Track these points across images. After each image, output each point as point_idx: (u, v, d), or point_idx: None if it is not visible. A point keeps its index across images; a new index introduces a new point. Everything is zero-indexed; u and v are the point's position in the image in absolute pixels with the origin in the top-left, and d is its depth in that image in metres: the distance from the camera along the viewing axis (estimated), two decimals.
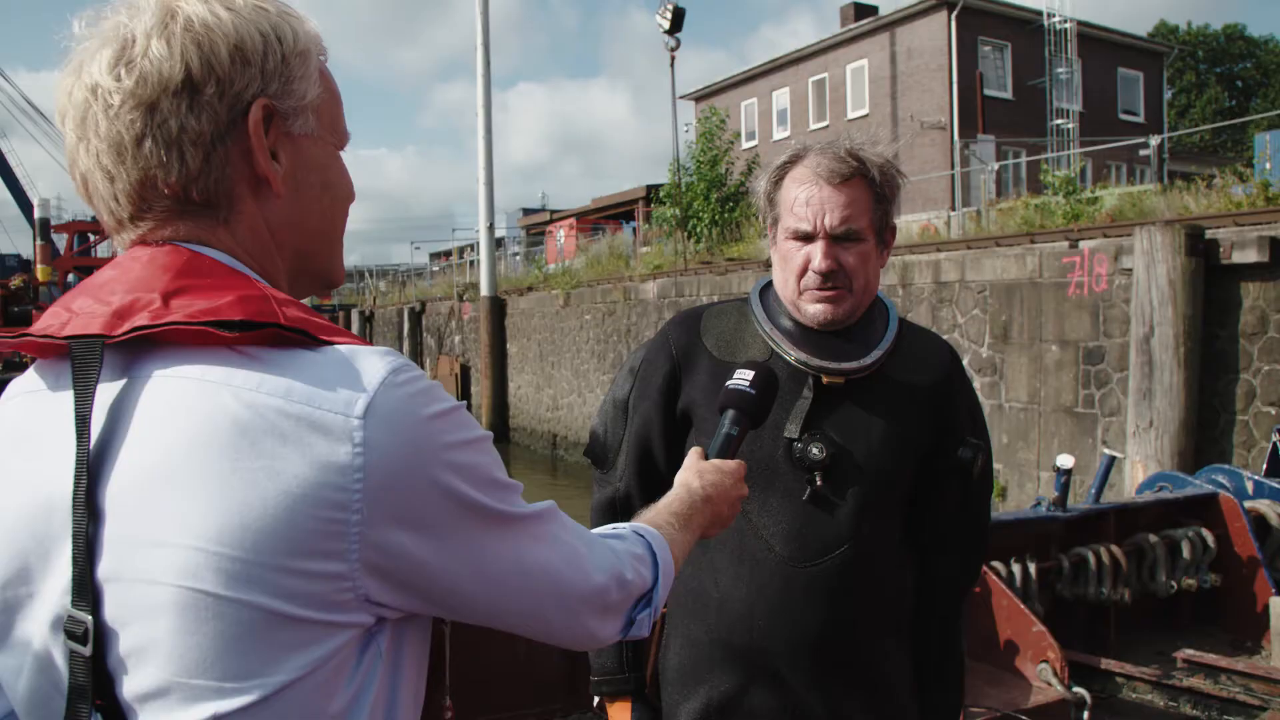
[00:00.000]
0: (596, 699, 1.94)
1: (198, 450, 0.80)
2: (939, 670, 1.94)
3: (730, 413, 1.52)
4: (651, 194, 29.22)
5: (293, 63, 0.94)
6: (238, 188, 0.92)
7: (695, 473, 1.39)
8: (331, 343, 0.86)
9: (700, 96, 37.19)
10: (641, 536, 1.18)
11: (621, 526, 1.22)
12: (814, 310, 1.81)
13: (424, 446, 0.85)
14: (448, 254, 46.36)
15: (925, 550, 1.94)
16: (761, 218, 1.90)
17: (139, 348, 0.85)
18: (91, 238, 37.57)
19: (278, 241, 0.97)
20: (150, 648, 0.80)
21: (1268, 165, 15.72)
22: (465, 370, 26.12)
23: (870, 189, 1.82)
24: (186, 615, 0.78)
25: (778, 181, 1.84)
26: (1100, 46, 31.32)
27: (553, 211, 45.92)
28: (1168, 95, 38.52)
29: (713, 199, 22.86)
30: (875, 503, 1.81)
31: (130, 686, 0.81)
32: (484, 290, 24.05)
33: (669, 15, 19.97)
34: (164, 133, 0.88)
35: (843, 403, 1.81)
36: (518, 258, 37.82)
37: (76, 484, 0.81)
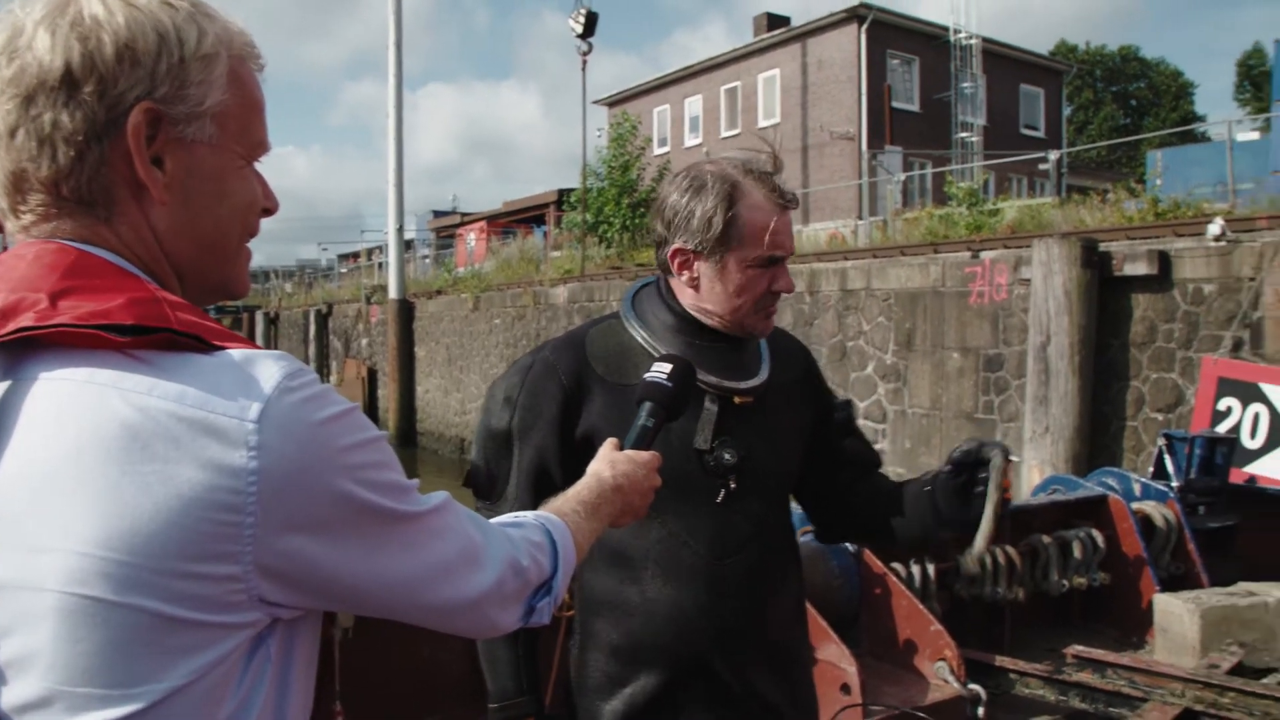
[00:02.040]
0: None
1: (87, 455, 0.78)
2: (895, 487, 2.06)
3: (647, 405, 1.55)
4: (564, 198, 29.22)
5: (191, 66, 0.90)
6: (117, 190, 0.90)
7: (608, 463, 1.41)
8: (224, 347, 0.84)
9: (613, 102, 37.29)
10: (542, 524, 1.19)
11: (523, 515, 1.22)
12: (762, 327, 1.89)
13: (319, 450, 0.84)
14: (356, 255, 45.74)
15: (857, 473, 2.10)
16: (679, 241, 1.85)
17: (22, 349, 0.83)
18: None
19: (166, 248, 0.94)
20: (33, 656, 0.78)
21: (1158, 181, 16.35)
22: (372, 373, 25.79)
23: None
24: (72, 622, 0.77)
25: (729, 204, 1.81)
26: (1004, 63, 32.21)
27: (463, 214, 45.62)
28: (1067, 112, 39.80)
29: (624, 204, 22.94)
30: (776, 495, 1.94)
31: (10, 697, 0.79)
32: (392, 293, 23.77)
33: (582, 19, 19.98)
34: (37, 126, 0.86)
35: (743, 409, 1.88)
36: (427, 260, 37.45)
37: None
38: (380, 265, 33.10)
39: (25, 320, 0.81)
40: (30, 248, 0.88)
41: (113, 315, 0.81)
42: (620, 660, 1.87)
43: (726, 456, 1.81)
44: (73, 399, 0.80)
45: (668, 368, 1.59)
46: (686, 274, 1.86)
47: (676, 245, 1.85)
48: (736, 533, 1.85)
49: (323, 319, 29.60)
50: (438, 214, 49.08)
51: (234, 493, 0.79)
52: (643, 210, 22.55)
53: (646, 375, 1.60)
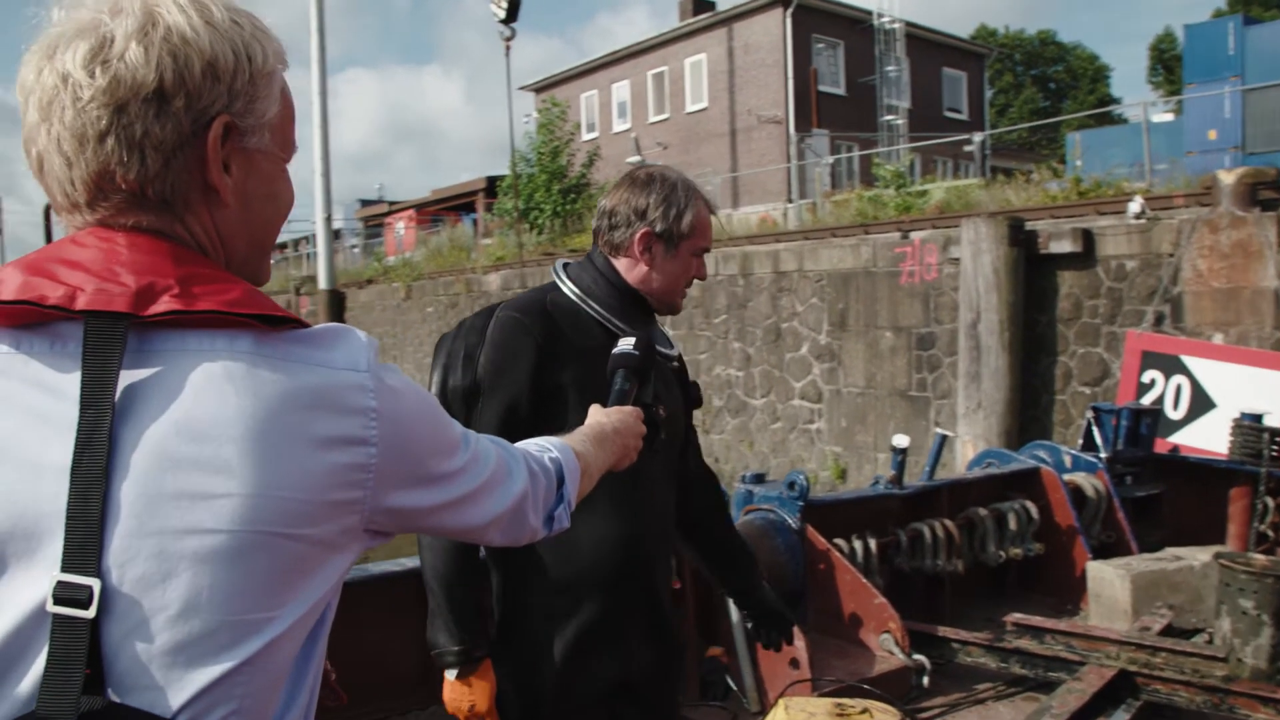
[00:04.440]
0: (454, 671, 2.05)
1: (247, 413, 0.88)
2: (744, 545, 2.59)
3: (620, 372, 1.81)
4: (495, 185, 29.00)
5: (259, 83, 0.99)
6: (191, 193, 0.97)
7: (603, 414, 1.63)
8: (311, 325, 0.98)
9: (540, 88, 37.06)
10: (543, 443, 1.37)
11: (539, 439, 1.39)
12: (680, 305, 2.33)
13: (411, 390, 1.02)
14: (283, 246, 44.96)
15: (693, 468, 2.46)
16: (646, 226, 2.21)
17: (153, 328, 0.90)
18: None
19: (225, 244, 1.02)
20: (201, 594, 0.85)
21: (1078, 162, 16.71)
22: None
23: None
24: (247, 555, 0.86)
25: (685, 209, 2.23)
26: (927, 47, 32.62)
27: (391, 203, 45.09)
28: (989, 95, 40.40)
29: (554, 190, 22.85)
30: (679, 445, 2.35)
31: (176, 635, 0.84)
32: (322, 283, 23.33)
33: (504, 4, 19.77)
34: (128, 134, 0.92)
35: (661, 373, 2.16)
36: (356, 250, 36.95)
37: (85, 451, 0.84)
38: (308, 255, 32.56)
39: (169, 303, 0.89)
40: (119, 235, 0.95)
41: (247, 304, 0.91)
42: (568, 594, 2.10)
43: (660, 411, 2.02)
44: (227, 368, 0.89)
45: (633, 340, 1.85)
46: (647, 255, 2.22)
47: (645, 229, 2.20)
48: (661, 474, 2.23)
49: None
50: (365, 203, 48.43)
51: (363, 427, 0.94)
52: (573, 196, 22.49)
53: (615, 350, 1.83)
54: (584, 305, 2.18)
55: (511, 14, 19.96)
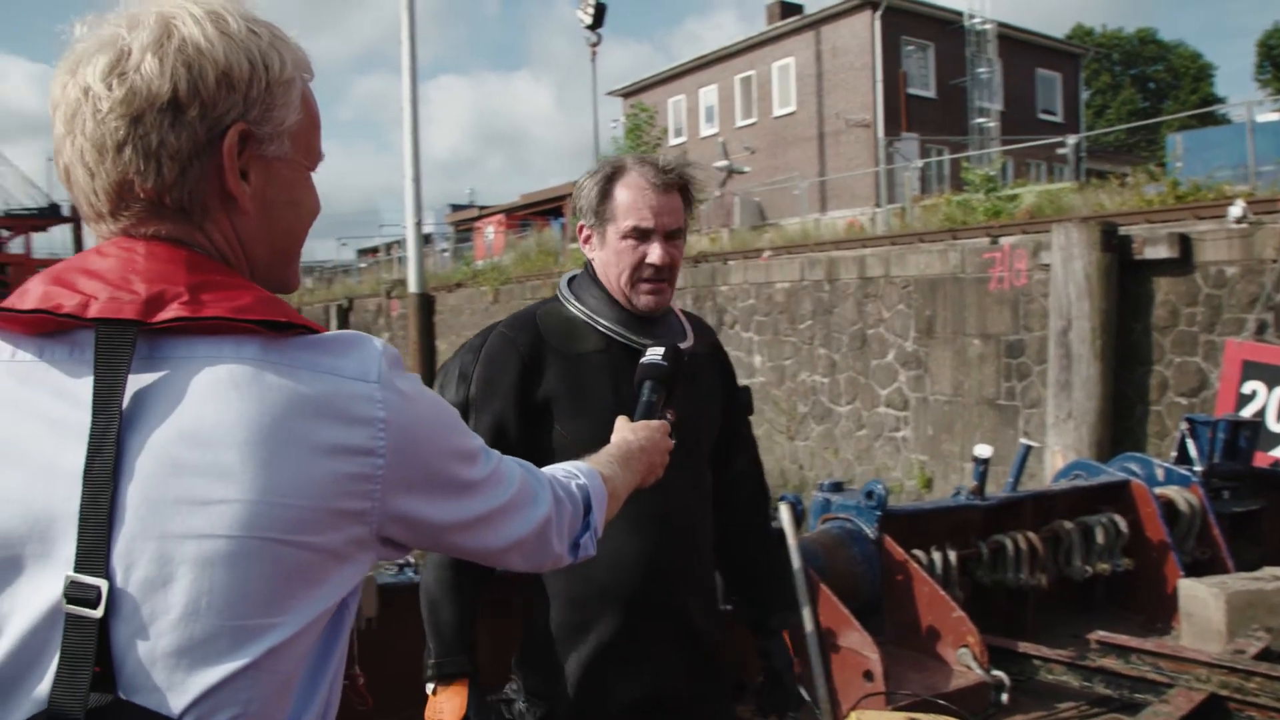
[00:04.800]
0: (431, 686, 2.08)
1: (250, 419, 0.89)
2: (777, 572, 2.42)
3: (648, 383, 1.76)
4: None
5: (276, 91, 1.01)
6: (210, 200, 0.99)
7: (629, 430, 1.61)
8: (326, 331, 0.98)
9: (628, 93, 37.23)
10: (570, 469, 1.36)
11: (565, 465, 1.38)
12: (646, 300, 2.11)
13: (426, 402, 1.02)
14: (375, 250, 45.87)
15: (734, 479, 2.36)
16: (581, 219, 2.17)
17: (163, 335, 0.92)
18: None
19: (246, 250, 1.04)
20: (202, 598, 0.86)
21: (1179, 164, 16.21)
22: None
23: (683, 196, 2.13)
24: (247, 561, 0.87)
25: (606, 187, 2.10)
26: (1020, 47, 31.98)
27: (481, 208, 45.68)
28: (1085, 96, 39.47)
29: None
30: (705, 451, 2.24)
31: (179, 639, 0.86)
32: (412, 287, 23.79)
33: (591, 11, 19.94)
34: (144, 143, 0.95)
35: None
36: (446, 254, 37.51)
37: (96, 455, 0.87)
38: (399, 259, 33.15)
39: (176, 310, 0.91)
40: (139, 244, 0.97)
41: (255, 310, 0.93)
42: (582, 609, 2.08)
43: (668, 418, 1.99)
44: (231, 374, 0.90)
45: (661, 350, 1.80)
46: (589, 249, 2.17)
47: (580, 222, 2.16)
48: (680, 486, 2.05)
49: (344, 314, 29.70)
50: (455, 208, 49.16)
51: (370, 438, 0.94)
52: None
53: (643, 360, 1.80)
54: (576, 310, 2.15)
55: (597, 20, 20.14)
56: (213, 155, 0.97)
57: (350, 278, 39.51)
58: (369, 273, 38.26)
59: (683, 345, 2.13)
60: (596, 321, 2.11)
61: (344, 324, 29.35)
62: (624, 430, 1.62)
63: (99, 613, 0.84)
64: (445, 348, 23.30)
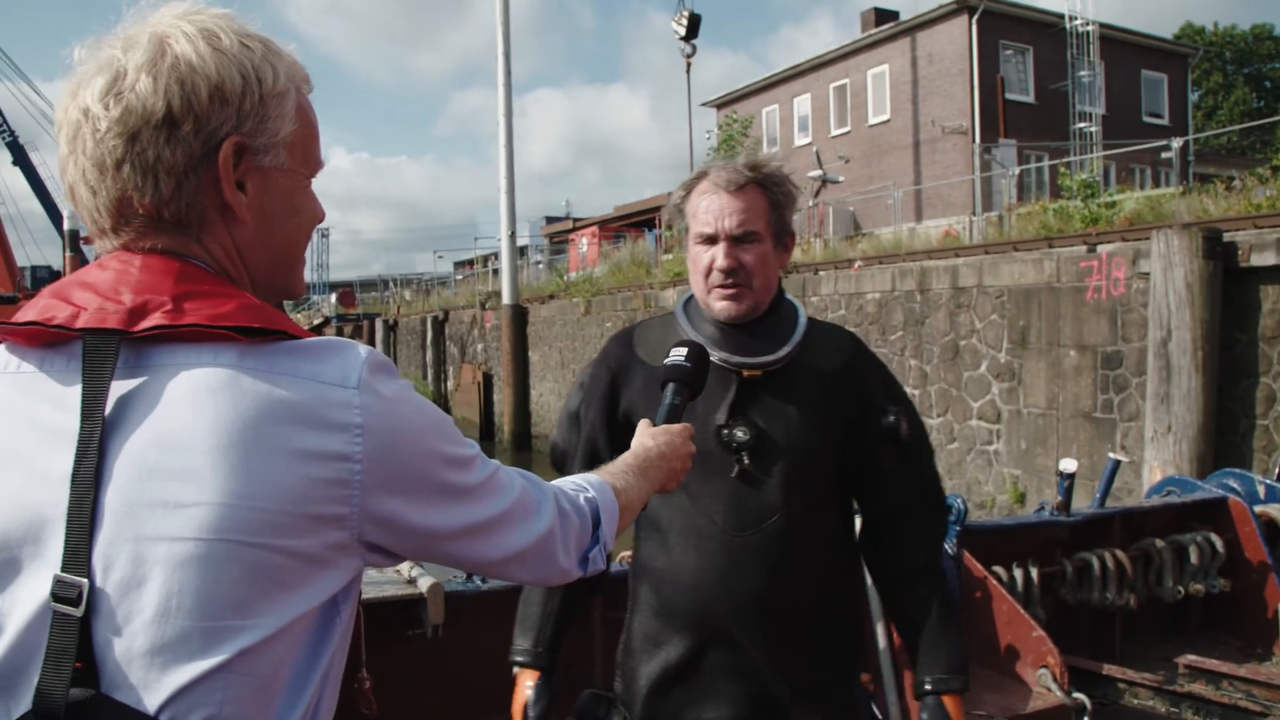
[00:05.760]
0: (514, 670, 2.13)
1: (224, 423, 0.91)
2: (935, 624, 2.07)
3: (671, 385, 1.72)
4: None
5: (269, 103, 1.04)
6: (208, 212, 1.03)
7: (649, 435, 1.59)
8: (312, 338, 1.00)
9: (722, 103, 37.20)
10: (581, 480, 1.35)
11: (576, 477, 1.37)
12: (720, 306, 2.02)
13: (407, 409, 1.01)
14: (471, 263, 46.61)
15: (885, 516, 2.14)
16: (675, 229, 2.09)
17: (148, 343, 0.95)
18: None
19: (245, 260, 1.07)
20: (173, 599, 0.89)
21: None
22: (488, 378, 26.21)
23: (765, 196, 2.03)
24: (217, 563, 0.89)
25: (686, 195, 2.07)
26: (1123, 49, 31.10)
27: (576, 220, 46.12)
28: (1193, 97, 38.20)
29: None
30: (799, 476, 2.01)
31: (151, 639, 0.89)
32: (506, 298, 24.12)
33: (684, 22, 19.99)
34: (142, 160, 0.98)
35: (763, 392, 2.03)
36: (540, 266, 37.93)
37: (82, 460, 0.91)
38: (494, 271, 33.62)
39: (157, 319, 0.94)
40: (136, 257, 1.01)
41: (234, 317, 0.95)
42: (658, 622, 2.06)
43: (739, 434, 1.98)
44: (207, 380, 0.93)
45: (685, 350, 1.76)
46: (687, 258, 2.10)
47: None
48: (755, 508, 1.98)
49: (439, 325, 30.24)
50: (551, 220, 49.74)
51: (346, 443, 0.94)
52: None
53: (667, 360, 1.76)
54: (679, 320, 2.11)
55: (692, 31, 20.17)
56: (209, 168, 1.00)
57: (447, 290, 40.24)
58: (464, 285, 38.89)
59: (769, 357, 2.01)
60: (683, 331, 2.06)
61: (439, 335, 29.87)
62: (643, 436, 1.59)
63: (80, 611, 0.88)
64: (538, 358, 23.54)
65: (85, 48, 1.02)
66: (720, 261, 1.99)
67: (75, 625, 0.88)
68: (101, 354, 0.94)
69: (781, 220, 2.06)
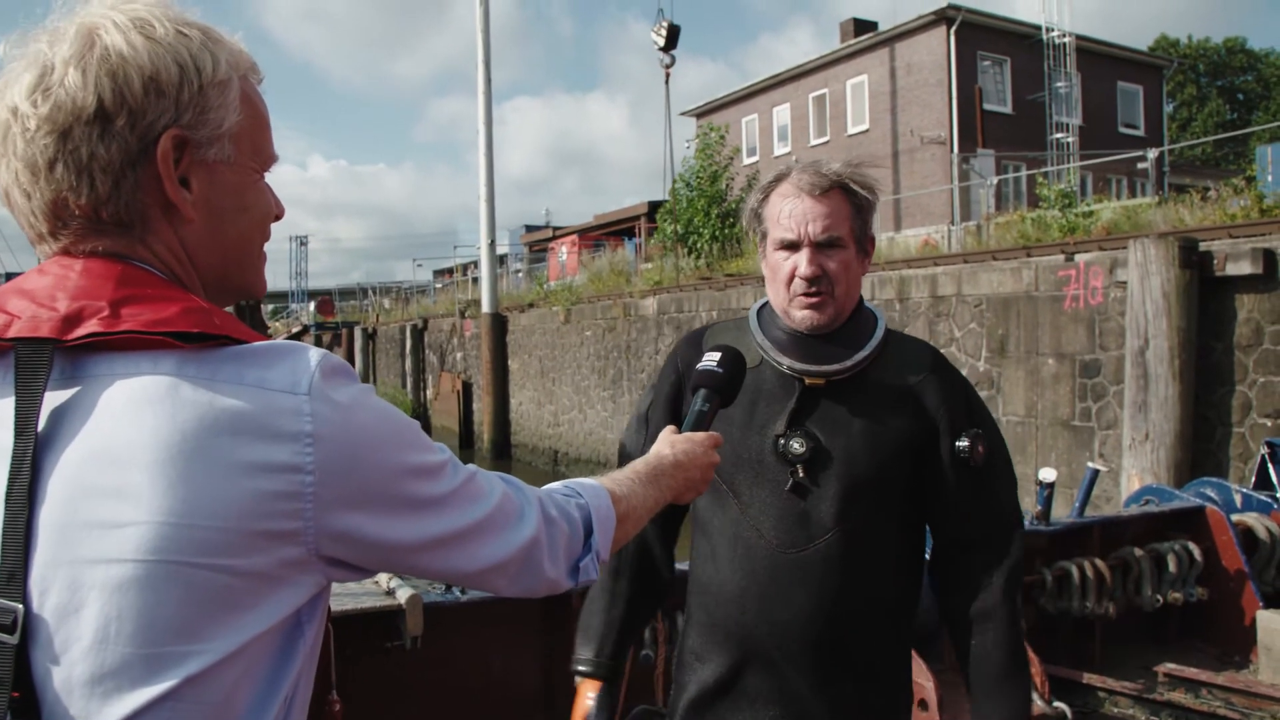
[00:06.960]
0: (576, 679, 2.04)
1: (163, 437, 0.85)
2: (994, 671, 1.91)
3: (702, 391, 1.66)
4: (656, 210, 29.28)
5: (210, 93, 0.97)
6: (150, 210, 0.96)
7: (668, 443, 1.52)
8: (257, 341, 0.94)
9: (701, 113, 37.29)
10: (576, 487, 1.27)
11: (569, 481, 1.30)
12: (801, 315, 1.92)
13: (362, 415, 0.94)
14: (450, 271, 46.46)
15: (951, 548, 1.97)
16: (751, 234, 2.03)
17: (85, 352, 0.90)
18: None
19: (194, 259, 1.01)
20: (112, 624, 0.83)
21: (1269, 178, 15.72)
22: (467, 387, 26.13)
23: (849, 200, 1.95)
24: (158, 586, 0.83)
25: (764, 199, 1.98)
26: (1100, 61, 31.35)
27: (555, 228, 46.08)
28: (1168, 108, 38.57)
29: (713, 215, 22.90)
30: (858, 494, 1.87)
31: (90, 668, 0.84)
32: (485, 307, 24.07)
33: (664, 32, 20.01)
34: (75, 158, 0.92)
35: (826, 403, 1.92)
36: (520, 274, 37.86)
37: (15, 478, 0.85)
38: (474, 280, 33.54)
39: (93, 326, 0.88)
40: (76, 261, 0.95)
41: (174, 322, 0.89)
42: (704, 636, 1.97)
43: (795, 445, 1.88)
44: (145, 390, 0.87)
45: (718, 355, 1.69)
46: (764, 265, 2.00)
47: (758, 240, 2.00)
48: (806, 525, 1.87)
49: (418, 334, 30.12)
50: (530, 228, 49.65)
51: (296, 454, 0.88)
52: (731, 220, 22.47)
53: (699, 365, 1.70)
54: (749, 324, 2.02)
55: (671, 42, 20.20)
56: (148, 164, 0.94)
57: (426, 298, 40.08)
58: (444, 293, 38.73)
59: (834, 365, 1.91)
60: (756, 338, 1.97)
61: (418, 343, 29.75)
62: (663, 443, 1.52)
63: (15, 639, 0.83)
64: (517, 367, 23.49)
65: (11, 44, 0.96)
66: (804, 269, 1.89)
67: (11, 653, 0.83)
68: (34, 364, 0.88)
69: (865, 225, 1.98)
